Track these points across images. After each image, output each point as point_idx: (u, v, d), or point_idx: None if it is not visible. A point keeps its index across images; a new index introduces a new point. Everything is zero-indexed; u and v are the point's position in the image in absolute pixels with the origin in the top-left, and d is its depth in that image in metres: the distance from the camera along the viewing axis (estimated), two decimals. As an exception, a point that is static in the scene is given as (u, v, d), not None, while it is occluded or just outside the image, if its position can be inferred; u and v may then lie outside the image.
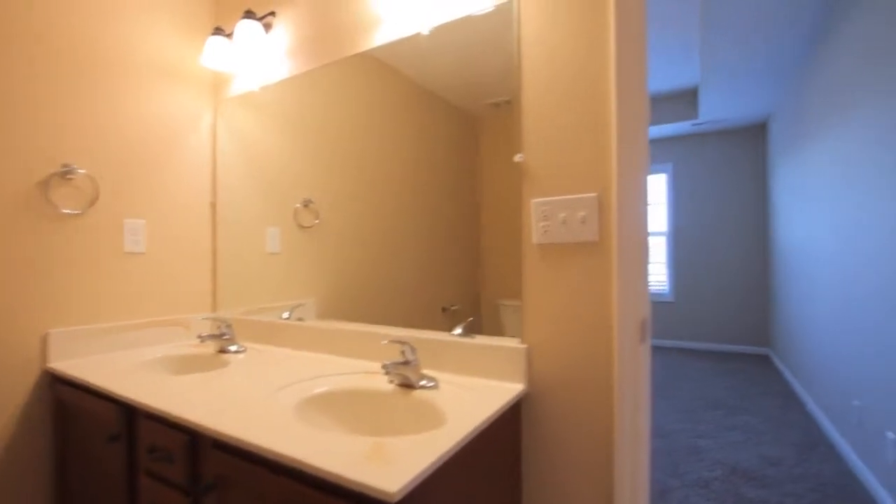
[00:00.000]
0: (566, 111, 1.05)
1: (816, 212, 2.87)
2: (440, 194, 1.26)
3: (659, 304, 5.21)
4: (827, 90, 2.61)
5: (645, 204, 1.12)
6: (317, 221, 1.51)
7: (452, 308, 1.24)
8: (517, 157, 1.12)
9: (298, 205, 1.56)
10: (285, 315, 1.58)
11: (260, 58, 1.66)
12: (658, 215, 5.26)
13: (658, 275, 5.26)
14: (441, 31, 1.24)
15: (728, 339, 4.87)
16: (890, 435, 1.81)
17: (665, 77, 4.14)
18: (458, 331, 1.22)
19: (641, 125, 1.09)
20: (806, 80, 3.06)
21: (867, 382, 2.05)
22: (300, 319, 1.54)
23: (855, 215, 2.20)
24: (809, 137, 3.01)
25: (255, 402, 0.98)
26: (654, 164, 5.25)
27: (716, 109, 4.25)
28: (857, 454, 2.16)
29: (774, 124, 4.22)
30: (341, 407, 1.07)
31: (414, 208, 1.31)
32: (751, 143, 4.79)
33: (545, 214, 1.08)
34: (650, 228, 5.32)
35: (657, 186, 5.28)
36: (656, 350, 4.97)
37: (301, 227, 1.55)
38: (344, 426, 1.04)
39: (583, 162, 1.04)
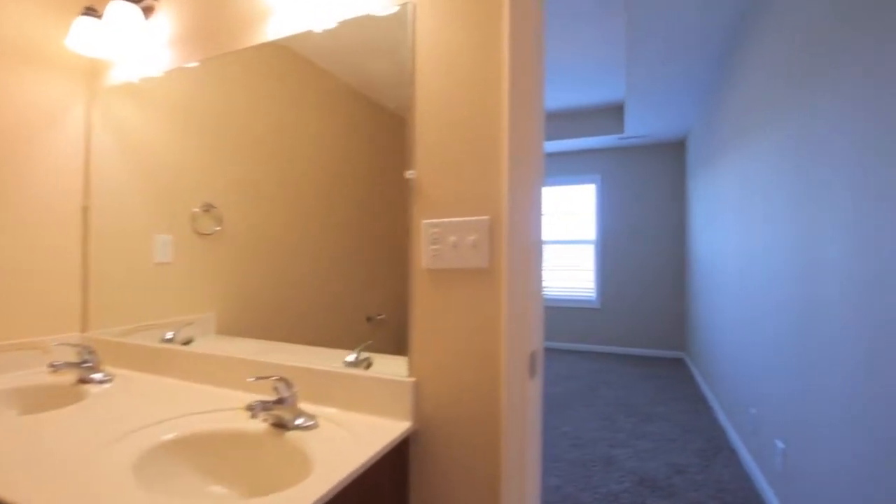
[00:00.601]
0: (460, 127, 0.99)
1: (723, 226, 3.05)
2: (366, 197, 1.14)
3: (587, 311, 5.38)
4: (732, 113, 2.77)
5: (539, 230, 1.07)
6: (218, 228, 1.35)
7: (378, 317, 1.13)
8: (408, 174, 1.04)
9: (197, 209, 1.39)
10: (168, 335, 1.41)
11: (140, 45, 1.47)
12: (587, 225, 5.43)
13: (586, 282, 5.43)
14: (352, 27, 1.13)
15: (649, 344, 5.11)
16: (778, 444, 1.92)
17: (595, 91, 4.27)
18: (351, 357, 1.12)
19: (536, 144, 1.04)
20: (716, 103, 3.25)
21: (762, 392, 2.18)
22: (189, 340, 1.36)
23: (755, 231, 2.34)
24: (718, 156, 3.20)
25: (84, 456, 0.82)
26: (583, 175, 5.42)
27: (639, 125, 4.44)
28: (754, 460, 2.29)
29: (691, 142, 4.48)
30: (198, 456, 0.93)
31: (337, 212, 1.18)
32: (672, 158, 5.06)
33: (436, 237, 1.00)
34: (579, 236, 5.57)
35: (586, 196, 5.45)
36: (584, 355, 5.12)
37: (199, 234, 1.38)
38: (199, 481, 0.90)
39: (475, 182, 0.97)
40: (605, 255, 5.31)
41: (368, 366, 1.08)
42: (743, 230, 2.55)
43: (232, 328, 1.33)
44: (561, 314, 5.51)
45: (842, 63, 1.44)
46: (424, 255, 1.01)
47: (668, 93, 3.61)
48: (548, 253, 5.65)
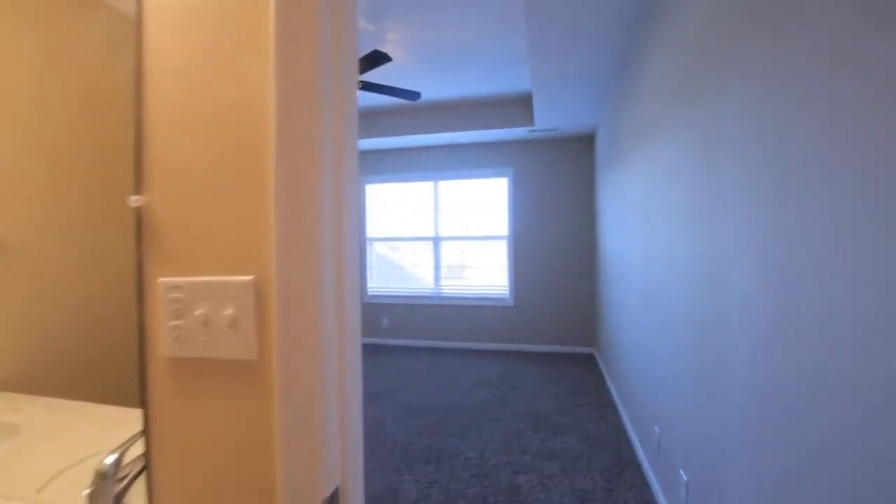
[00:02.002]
0: (211, 122, 0.59)
1: (629, 227, 2.93)
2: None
3: (500, 310, 5.22)
4: (635, 110, 2.63)
5: (356, 295, 0.70)
6: None
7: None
8: (132, 201, 0.63)
9: None
10: None
11: None
12: (499, 219, 5.25)
13: (499, 279, 5.26)
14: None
15: (561, 341, 5.07)
16: (682, 475, 1.77)
17: (503, 81, 4.02)
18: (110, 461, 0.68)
19: (344, 152, 0.67)
20: (620, 99, 3.12)
21: (665, 410, 2.04)
22: None
23: (659, 236, 2.19)
24: (622, 155, 3.08)
25: None
26: (496, 168, 5.21)
27: (548, 118, 4.28)
28: (659, 483, 2.17)
29: (598, 137, 4.42)
30: None
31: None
32: (582, 152, 5.00)
33: (178, 308, 0.60)
34: (492, 232, 5.44)
35: (499, 190, 5.26)
36: (497, 356, 4.96)
37: None
38: None
39: (235, 222, 0.59)
40: (518, 251, 5.16)
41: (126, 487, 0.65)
42: (646, 234, 2.41)
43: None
44: (475, 314, 5.30)
45: (741, 60, 1.24)
46: (163, 334, 0.61)
47: (574, 86, 3.43)
48: (461, 250, 5.40)
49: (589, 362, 4.63)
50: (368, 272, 5.66)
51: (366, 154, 5.62)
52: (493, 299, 5.25)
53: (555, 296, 5.07)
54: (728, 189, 1.37)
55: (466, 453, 2.70)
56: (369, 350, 5.25)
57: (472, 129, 4.63)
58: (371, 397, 3.66)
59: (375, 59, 2.81)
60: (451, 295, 5.38)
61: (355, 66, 0.70)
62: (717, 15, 1.44)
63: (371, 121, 4.90)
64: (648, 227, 2.36)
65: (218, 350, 0.59)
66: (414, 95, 3.45)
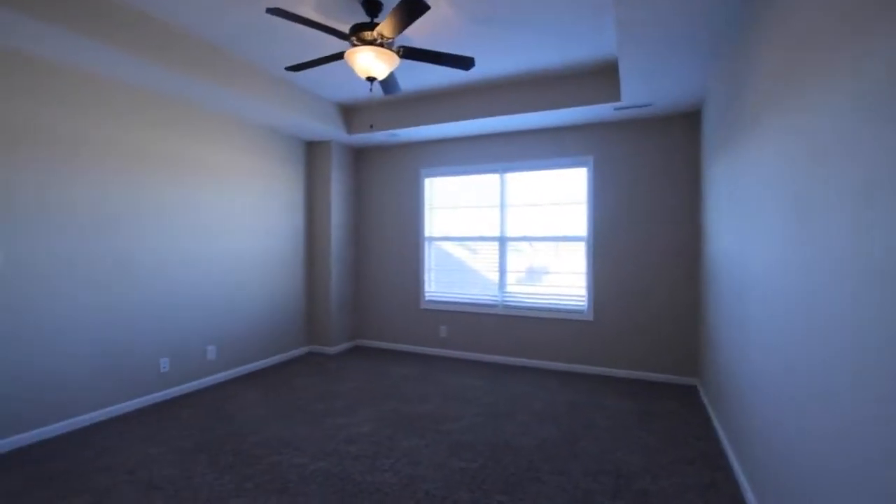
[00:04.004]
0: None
1: (757, 223, 2.05)
2: None
3: (575, 324, 4.40)
4: (770, 68, 1.76)
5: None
6: None
7: None
8: None
9: None
10: None
11: None
12: (577, 217, 4.43)
13: (575, 287, 4.44)
14: None
15: (652, 367, 4.13)
16: None
17: (582, 43, 3.25)
18: None
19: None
20: (744, 53, 2.23)
21: (829, 490, 1.21)
22: None
23: (811, 231, 1.35)
24: (748, 130, 2.19)
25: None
26: (573, 156, 4.41)
27: (639, 91, 3.42)
28: None
29: (708, 112, 3.46)
30: None
31: None
32: (683, 134, 4.03)
33: None
34: (566, 231, 4.55)
35: (576, 182, 4.44)
36: (570, 380, 4.15)
37: None
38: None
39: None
40: (600, 254, 4.31)
41: None
42: (800, 231, 1.56)
43: None
44: (545, 327, 4.53)
45: None
46: None
47: (675, 40, 2.59)
48: (530, 253, 4.66)
49: (689, 397, 3.67)
50: (426, 275, 5.13)
51: (423, 146, 5.11)
52: (567, 311, 4.44)
53: (645, 309, 4.15)
54: None
55: (515, 524, 2.01)
56: (423, 362, 4.71)
57: (542, 108, 3.90)
58: (410, 423, 3.09)
59: (412, 8, 2.24)
60: (517, 304, 4.66)
61: None
62: None
63: (425, 105, 4.36)
64: (805, 222, 1.51)
65: None
66: (467, 62, 2.83)
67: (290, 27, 3.00)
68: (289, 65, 3.60)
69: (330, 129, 4.54)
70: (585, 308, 4.38)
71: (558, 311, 4.47)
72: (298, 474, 2.43)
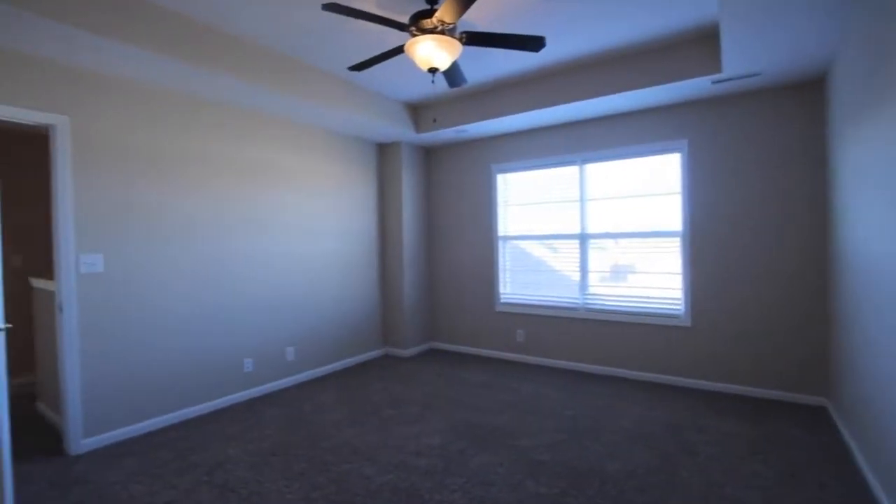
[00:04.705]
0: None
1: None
2: None
3: (670, 330, 3.91)
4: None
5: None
6: None
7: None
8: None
9: None
10: None
11: None
12: (670, 209, 3.93)
13: (669, 289, 3.95)
14: None
15: (765, 381, 3.53)
16: None
17: (670, 6, 2.83)
18: None
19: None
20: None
21: None
22: None
23: None
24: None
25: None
26: (663, 141, 3.92)
27: (745, 58, 2.90)
28: None
29: (839, 77, 2.84)
30: None
31: None
32: (802, 105, 3.39)
33: None
34: (658, 226, 4.02)
35: (667, 171, 3.94)
36: (665, 392, 3.69)
37: None
38: None
39: None
40: (698, 251, 3.79)
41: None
42: None
43: None
44: (633, 333, 4.09)
45: None
46: None
47: (798, -16, 2.11)
48: (615, 251, 4.24)
49: (817, 421, 3.07)
50: (501, 276, 4.89)
51: (493, 140, 4.87)
52: (659, 315, 3.96)
53: (755, 314, 3.56)
54: None
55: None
56: (498, 367, 4.48)
57: (625, 88, 3.48)
58: (483, 436, 2.89)
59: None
60: (601, 307, 4.26)
61: None
62: None
63: (493, 97, 4.12)
64: None
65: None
66: (536, 43, 2.56)
67: (351, 28, 2.93)
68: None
69: (399, 129, 4.48)
70: (681, 312, 3.87)
71: (648, 315, 4.00)
72: (365, 487, 2.33)
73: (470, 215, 5.08)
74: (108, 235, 2.93)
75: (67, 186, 2.78)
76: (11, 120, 2.60)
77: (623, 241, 4.18)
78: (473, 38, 2.55)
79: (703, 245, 3.76)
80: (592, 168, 4.31)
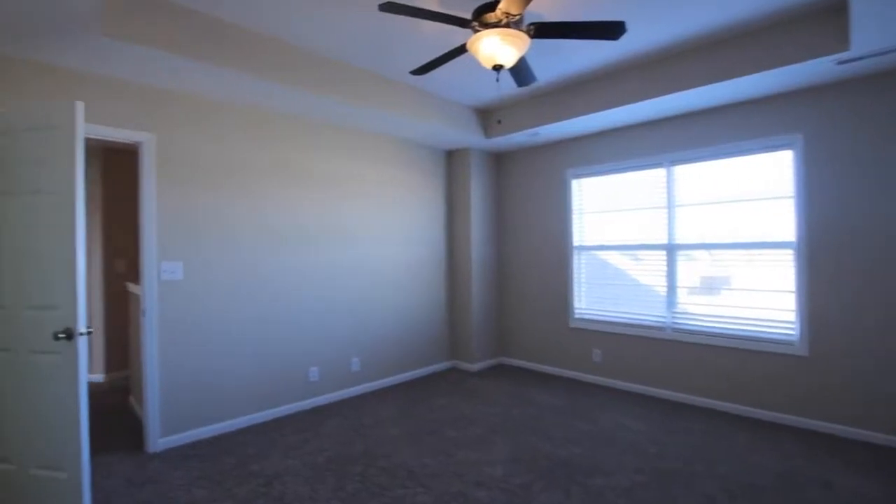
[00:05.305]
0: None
1: None
2: None
3: (779, 358, 3.32)
4: None
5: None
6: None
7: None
8: None
9: None
10: None
11: None
12: (780, 216, 3.36)
13: (779, 309, 3.36)
14: None
15: (913, 428, 2.84)
16: None
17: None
18: None
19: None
20: None
21: None
22: None
23: None
24: None
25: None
26: (770, 136, 3.36)
27: (884, 30, 2.36)
28: None
29: None
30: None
31: None
32: (961, 87, 2.72)
33: None
34: (765, 235, 3.42)
35: (776, 171, 3.38)
36: (769, 432, 3.11)
37: None
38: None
39: None
40: (816, 266, 3.18)
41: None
42: None
43: None
44: (733, 360, 3.53)
45: None
46: None
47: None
48: (710, 263, 3.72)
49: None
50: (575, 288, 4.53)
51: (568, 143, 4.54)
52: (766, 341, 3.38)
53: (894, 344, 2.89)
54: None
55: None
56: (571, 389, 4.11)
57: (723, 77, 3.03)
58: (551, 470, 2.59)
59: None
60: (692, 327, 3.75)
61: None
62: None
63: (567, 96, 3.82)
64: None
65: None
66: (615, 29, 2.27)
67: (416, 32, 2.83)
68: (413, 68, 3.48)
69: (467, 135, 4.33)
70: (796, 338, 3.26)
71: (752, 339, 3.43)
72: (418, 518, 2.16)
73: (542, 223, 4.78)
74: (186, 244, 3.07)
75: (152, 198, 2.95)
76: (110, 139, 2.82)
77: (718, 253, 3.65)
78: (543, 30, 2.32)
79: (824, 259, 3.15)
80: (681, 170, 3.84)
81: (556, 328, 4.65)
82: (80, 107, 2.16)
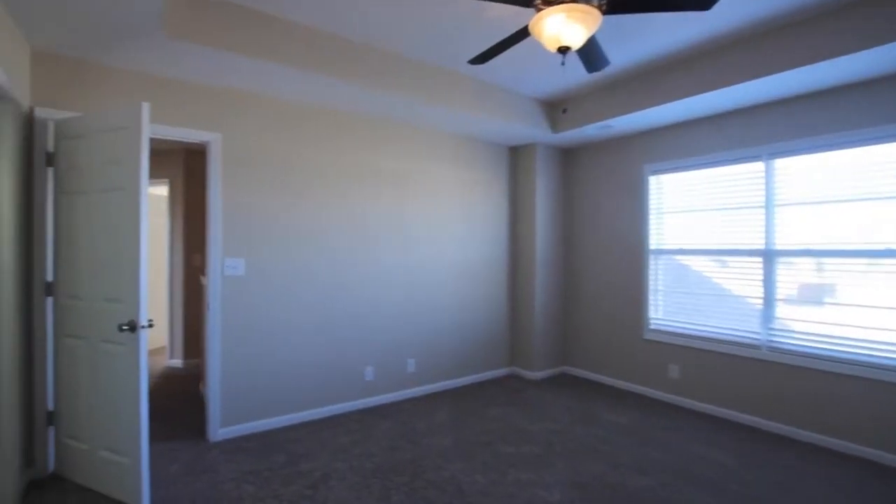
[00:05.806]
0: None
1: None
2: None
3: (882, 387, 2.73)
4: None
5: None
6: None
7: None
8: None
9: None
10: None
11: None
12: (881, 220, 2.77)
13: (879, 330, 2.77)
14: None
15: None
16: None
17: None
18: None
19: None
20: None
21: None
22: None
23: None
24: None
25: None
26: (871, 127, 2.77)
27: None
28: None
29: None
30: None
31: None
32: None
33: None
34: (865, 242, 2.80)
35: (879, 167, 2.78)
36: (875, 472, 2.56)
37: None
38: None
39: None
40: (964, 281, 2.56)
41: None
42: None
43: None
44: (838, 386, 2.97)
45: None
46: None
47: None
48: (816, 272, 3.16)
49: None
50: (651, 296, 4.10)
51: (646, 136, 4.11)
52: (862, 365, 2.81)
53: None
54: None
55: None
56: (643, 408, 3.72)
57: (835, 54, 2.52)
58: (614, 500, 2.31)
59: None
60: (793, 347, 3.22)
61: None
62: None
63: (645, 83, 3.42)
64: None
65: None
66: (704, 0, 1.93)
67: (478, 21, 2.65)
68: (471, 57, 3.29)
69: (533, 130, 4.07)
70: (932, 368, 2.67)
71: (868, 365, 2.87)
72: (462, 543, 1.99)
73: (615, 224, 4.40)
74: (249, 241, 3.14)
75: (218, 195, 3.04)
76: (178, 139, 2.94)
77: (827, 261, 3.09)
78: (617, 4, 2.04)
79: (976, 272, 2.53)
80: (783, 164, 3.31)
81: (627, 338, 4.26)
82: (146, 107, 2.23)
